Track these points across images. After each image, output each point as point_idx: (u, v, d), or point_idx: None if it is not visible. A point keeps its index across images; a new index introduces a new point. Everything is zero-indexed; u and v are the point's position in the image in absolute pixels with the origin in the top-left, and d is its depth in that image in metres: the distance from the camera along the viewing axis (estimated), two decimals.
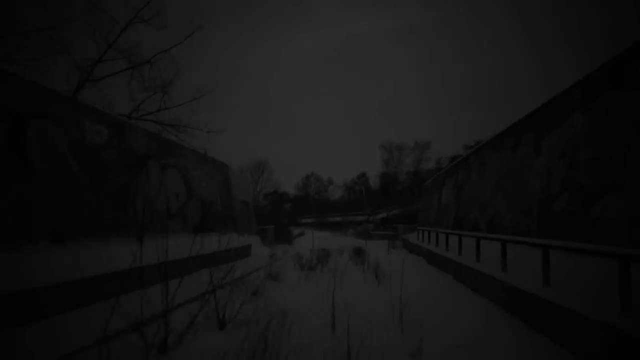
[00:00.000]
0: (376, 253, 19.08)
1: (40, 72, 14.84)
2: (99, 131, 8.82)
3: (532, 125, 8.96)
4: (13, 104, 6.65)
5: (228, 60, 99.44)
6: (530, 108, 9.10)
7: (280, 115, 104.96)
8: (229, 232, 16.49)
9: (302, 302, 8.03)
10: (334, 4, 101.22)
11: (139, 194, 9.92)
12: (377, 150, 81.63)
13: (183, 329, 5.19)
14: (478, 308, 7.63)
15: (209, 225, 14.50)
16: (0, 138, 6.25)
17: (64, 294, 6.35)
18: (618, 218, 5.62)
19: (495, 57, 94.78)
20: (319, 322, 6.38)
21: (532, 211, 8.34)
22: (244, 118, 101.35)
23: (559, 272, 5.94)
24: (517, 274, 7.16)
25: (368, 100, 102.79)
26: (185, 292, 6.05)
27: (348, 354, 4.54)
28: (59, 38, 15.38)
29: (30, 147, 6.81)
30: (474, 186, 13.31)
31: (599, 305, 4.57)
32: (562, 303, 5.04)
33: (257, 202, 68.23)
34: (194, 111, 30.50)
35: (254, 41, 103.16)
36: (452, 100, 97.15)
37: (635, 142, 5.42)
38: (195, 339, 5.32)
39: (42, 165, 7.02)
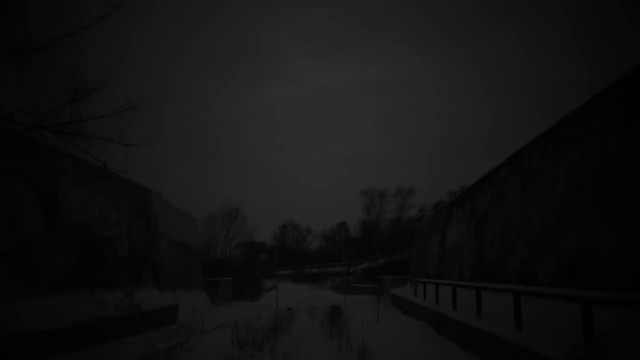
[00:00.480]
0: (360, 314, 13.86)
1: None
2: None
3: None
4: None
5: (197, 105, 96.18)
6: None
7: (255, 165, 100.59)
8: (142, 286, 11.11)
9: None
10: (303, 59, 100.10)
11: None
12: (357, 198, 76.91)
13: None
14: None
15: (97, 275, 9.19)
16: None
17: None
18: None
19: (473, 104, 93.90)
20: None
21: None
22: (218, 166, 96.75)
23: None
24: None
25: (346, 151, 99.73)
26: None
27: None
28: None
29: None
30: (510, 211, 8.54)
31: None
32: None
33: (227, 252, 62.25)
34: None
35: (226, 92, 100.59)
36: (432, 149, 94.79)
37: None
38: None
39: None
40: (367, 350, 7.05)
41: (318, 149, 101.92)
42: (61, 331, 6.75)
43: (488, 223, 9.95)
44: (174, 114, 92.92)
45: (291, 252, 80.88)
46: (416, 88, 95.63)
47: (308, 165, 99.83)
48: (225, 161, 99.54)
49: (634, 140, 4.84)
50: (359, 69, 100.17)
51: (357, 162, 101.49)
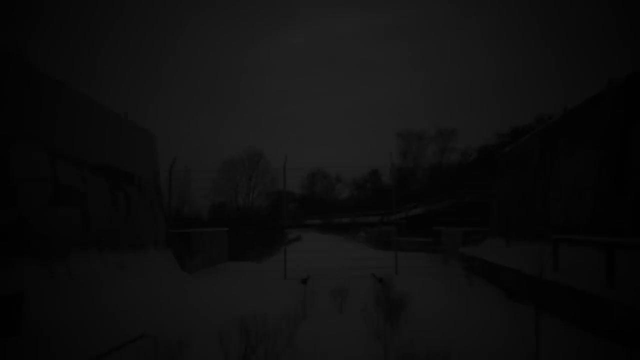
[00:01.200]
0: (434, 299, 7.05)
1: None
2: None
3: None
4: None
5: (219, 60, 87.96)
6: None
7: (280, 115, 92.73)
8: None
9: None
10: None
11: None
12: (391, 142, 68.71)
13: None
14: None
15: None
16: None
17: None
18: None
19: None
20: None
21: None
22: (238, 116, 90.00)
23: None
24: None
25: (370, 99, 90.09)
26: None
27: None
28: None
29: None
30: None
31: None
32: None
33: (250, 200, 56.57)
34: None
35: (244, 39, 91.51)
36: (461, 94, 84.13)
37: None
38: None
39: None
40: None
41: (340, 97, 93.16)
42: None
43: None
44: (188, 62, 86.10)
45: (320, 201, 75.23)
46: (438, 30, 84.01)
47: (330, 115, 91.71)
48: (247, 112, 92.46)
49: None
50: (374, 14, 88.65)
51: (383, 110, 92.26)
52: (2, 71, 5.77)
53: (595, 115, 7.68)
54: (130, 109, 10.03)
